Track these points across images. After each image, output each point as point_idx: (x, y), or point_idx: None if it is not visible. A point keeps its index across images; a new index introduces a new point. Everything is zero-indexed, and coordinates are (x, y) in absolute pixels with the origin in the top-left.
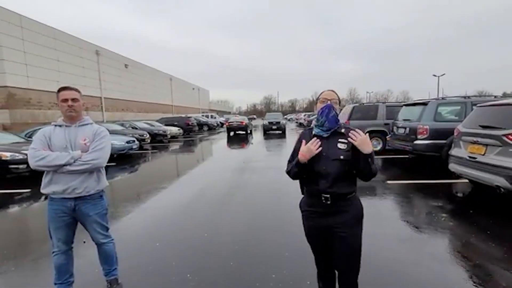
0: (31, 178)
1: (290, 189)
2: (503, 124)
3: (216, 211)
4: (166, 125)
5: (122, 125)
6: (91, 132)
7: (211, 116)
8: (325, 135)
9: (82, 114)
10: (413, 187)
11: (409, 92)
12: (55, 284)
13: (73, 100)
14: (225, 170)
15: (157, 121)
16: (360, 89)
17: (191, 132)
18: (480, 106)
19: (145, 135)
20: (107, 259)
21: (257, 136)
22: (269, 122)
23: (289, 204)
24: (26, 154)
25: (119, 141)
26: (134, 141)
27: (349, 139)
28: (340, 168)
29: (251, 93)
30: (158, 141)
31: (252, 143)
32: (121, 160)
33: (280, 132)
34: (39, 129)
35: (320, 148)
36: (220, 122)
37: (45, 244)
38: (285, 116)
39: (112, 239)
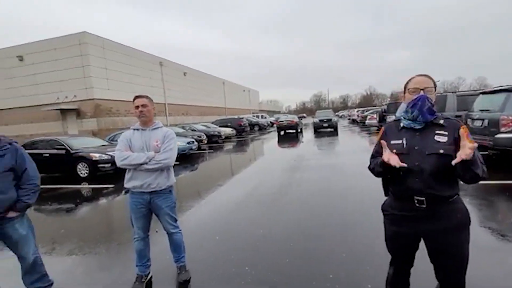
0: (115, 176)
1: (344, 188)
2: None
3: (269, 208)
4: (220, 126)
5: (183, 127)
6: (161, 135)
7: (262, 116)
8: (418, 127)
9: (153, 119)
10: (494, 188)
11: (487, 78)
12: (137, 265)
13: (143, 106)
14: (276, 168)
15: (212, 123)
16: None
17: (243, 132)
18: None
19: (202, 136)
20: (176, 247)
21: (308, 135)
22: (319, 120)
23: (343, 203)
24: (111, 155)
25: (181, 142)
26: (193, 142)
27: (461, 155)
28: (438, 165)
29: (300, 91)
30: (214, 141)
31: (302, 142)
32: (183, 159)
33: (332, 129)
34: (119, 133)
35: (405, 165)
36: (270, 122)
37: (127, 232)
38: (337, 113)
39: (180, 230)
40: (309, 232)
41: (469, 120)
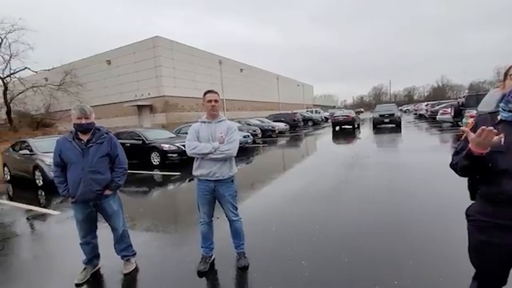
0: (181, 164)
1: (408, 188)
2: None
3: (326, 204)
4: (274, 121)
5: (238, 122)
6: (225, 127)
7: (316, 111)
8: None
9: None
10: None
11: None
12: (202, 247)
13: (215, 101)
14: (332, 164)
15: (266, 117)
16: None
17: (297, 127)
18: None
19: (257, 131)
20: (236, 234)
21: (366, 131)
22: (380, 115)
23: (408, 204)
24: (178, 146)
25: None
26: (249, 136)
27: None
28: None
29: (357, 85)
30: (268, 136)
31: (359, 138)
32: (239, 152)
33: (394, 125)
34: (185, 126)
35: (502, 138)
36: (325, 117)
37: (192, 215)
38: (400, 107)
39: (240, 218)
40: (369, 231)
41: None
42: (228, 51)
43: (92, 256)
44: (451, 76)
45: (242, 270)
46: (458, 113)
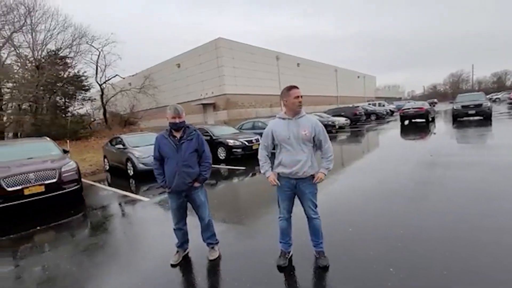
0: (244, 160)
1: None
2: None
3: (406, 207)
4: (333, 116)
5: None
6: (309, 124)
7: (379, 104)
8: None
9: None
10: None
11: None
12: (280, 242)
13: (301, 96)
14: (406, 163)
15: (324, 112)
16: None
17: (358, 122)
18: None
19: None
20: (315, 232)
21: (442, 125)
22: (462, 106)
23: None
24: (241, 142)
25: None
26: None
27: None
28: None
29: (427, 73)
30: (328, 131)
31: (434, 133)
32: None
33: (482, 118)
34: (246, 122)
35: None
36: (390, 110)
37: (260, 208)
38: (488, 96)
39: (319, 216)
40: (464, 240)
41: None
42: (284, 46)
43: (183, 241)
44: None
45: (323, 270)
46: None
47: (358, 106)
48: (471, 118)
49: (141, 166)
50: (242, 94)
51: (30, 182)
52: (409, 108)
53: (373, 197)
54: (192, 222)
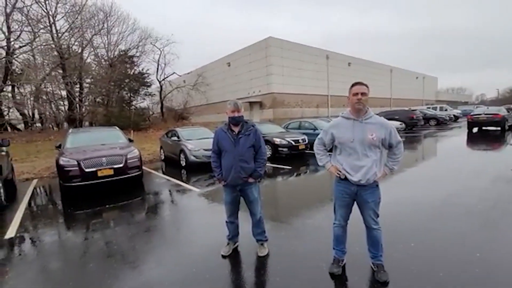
0: (290, 159)
1: None
2: None
3: (483, 226)
4: (386, 119)
5: None
6: (379, 126)
7: (441, 108)
8: None
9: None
10: None
11: None
12: (334, 248)
13: (363, 94)
14: (478, 176)
15: (376, 115)
16: None
17: (415, 127)
18: None
19: None
20: (374, 243)
21: None
22: None
23: None
24: (288, 141)
25: None
26: None
27: None
28: None
29: (501, 74)
30: None
31: (511, 144)
32: None
33: None
34: (293, 122)
35: None
36: (454, 115)
37: (308, 210)
38: None
39: (380, 227)
40: None
41: None
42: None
43: (234, 234)
44: None
45: (382, 285)
46: None
47: (415, 110)
48: None
49: (192, 158)
50: (289, 93)
51: (102, 165)
52: (480, 114)
53: (443, 210)
54: (243, 217)
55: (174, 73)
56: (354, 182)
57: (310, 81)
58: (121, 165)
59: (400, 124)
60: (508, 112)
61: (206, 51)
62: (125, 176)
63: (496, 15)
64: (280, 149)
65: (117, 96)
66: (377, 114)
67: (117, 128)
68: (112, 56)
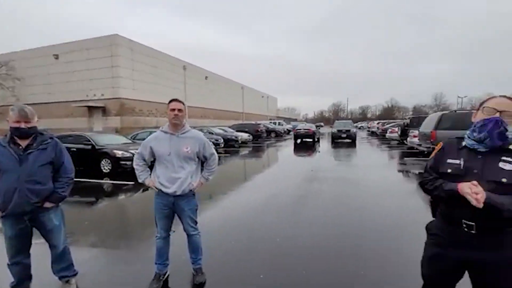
0: (135, 174)
1: (364, 203)
2: None
3: (286, 218)
4: (237, 131)
5: (201, 130)
6: (192, 141)
7: (279, 123)
8: (482, 150)
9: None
10: None
11: None
12: (156, 263)
13: (179, 110)
14: (293, 177)
15: (229, 127)
16: (450, 94)
17: (259, 138)
18: None
19: (219, 140)
20: (194, 249)
21: (325, 145)
22: (338, 130)
23: (365, 219)
24: (132, 153)
25: None
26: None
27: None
28: (496, 193)
29: (318, 100)
30: (230, 145)
31: (319, 152)
32: None
33: (350, 141)
34: (142, 132)
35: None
36: (287, 129)
37: (146, 229)
38: (356, 124)
39: (199, 232)
40: (328, 246)
41: None
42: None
43: (23, 278)
44: (399, 97)
45: (199, 287)
46: (404, 132)
47: (260, 124)
48: (344, 140)
49: None
50: (141, 100)
51: None
52: (300, 129)
53: (262, 209)
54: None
55: None
56: (170, 193)
57: (166, 89)
58: None
59: (248, 136)
60: (317, 128)
61: (15, 30)
62: None
63: (325, 54)
64: (123, 162)
65: None
66: (230, 127)
67: None
68: None
